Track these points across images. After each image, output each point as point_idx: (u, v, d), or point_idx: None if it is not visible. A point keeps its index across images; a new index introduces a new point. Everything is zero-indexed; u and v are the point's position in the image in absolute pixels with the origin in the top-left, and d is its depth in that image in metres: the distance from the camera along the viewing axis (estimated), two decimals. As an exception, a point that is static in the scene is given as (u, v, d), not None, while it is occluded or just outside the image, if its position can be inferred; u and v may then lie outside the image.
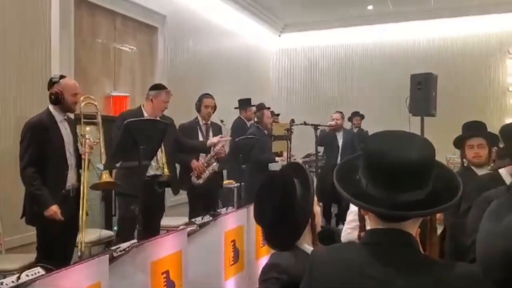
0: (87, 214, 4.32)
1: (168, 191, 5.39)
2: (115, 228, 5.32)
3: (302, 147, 8.85)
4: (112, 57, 7.15)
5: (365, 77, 12.47)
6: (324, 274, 1.49)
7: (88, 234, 4.45)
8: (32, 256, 4.17)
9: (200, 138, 5.95)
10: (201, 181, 5.75)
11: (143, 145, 3.90)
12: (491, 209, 1.35)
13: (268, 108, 7.97)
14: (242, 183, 6.45)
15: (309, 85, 13.14)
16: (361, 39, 12.62)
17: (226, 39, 10.54)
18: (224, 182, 6.94)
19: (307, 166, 7.90)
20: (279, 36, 13.32)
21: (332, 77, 12.95)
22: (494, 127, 3.92)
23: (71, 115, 4.67)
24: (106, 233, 5.14)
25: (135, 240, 3.17)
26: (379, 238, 1.45)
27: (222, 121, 6.23)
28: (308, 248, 2.11)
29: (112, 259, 2.84)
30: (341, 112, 8.79)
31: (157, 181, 4.97)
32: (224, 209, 4.68)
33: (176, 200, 6.86)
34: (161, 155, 4.87)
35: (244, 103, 8.15)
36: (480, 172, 3.85)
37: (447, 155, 8.15)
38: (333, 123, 8.42)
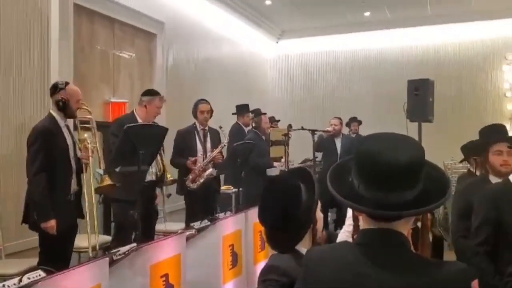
0: (83, 217, 4.36)
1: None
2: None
3: (300, 152, 8.88)
4: (111, 63, 7.20)
5: (363, 83, 12.51)
6: (319, 272, 1.52)
7: (85, 239, 4.47)
8: (33, 261, 4.17)
9: (198, 144, 5.98)
10: (195, 186, 5.79)
11: (142, 150, 3.93)
12: None
13: (265, 114, 8.02)
14: (240, 189, 6.49)
15: (307, 91, 13.18)
16: (358, 45, 12.68)
17: (224, 46, 10.60)
18: (222, 188, 6.97)
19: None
20: (277, 42, 13.38)
21: (329, 83, 13.00)
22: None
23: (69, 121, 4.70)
24: (104, 238, 5.12)
25: (135, 244, 3.20)
26: (371, 238, 1.48)
27: (221, 127, 6.28)
28: None
29: (112, 262, 2.88)
30: (339, 118, 8.82)
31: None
32: (222, 213, 4.70)
33: (174, 206, 6.90)
34: (161, 160, 4.90)
35: (242, 109, 8.20)
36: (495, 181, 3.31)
37: (445, 161, 8.15)
38: (331, 128, 8.46)
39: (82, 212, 4.39)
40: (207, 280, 4.04)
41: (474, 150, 3.71)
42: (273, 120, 9.43)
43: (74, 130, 4.52)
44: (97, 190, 4.38)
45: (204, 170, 5.85)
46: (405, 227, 1.49)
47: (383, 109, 11.40)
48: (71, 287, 2.51)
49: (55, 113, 4.28)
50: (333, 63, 13.03)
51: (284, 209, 2.12)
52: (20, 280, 2.34)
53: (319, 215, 2.23)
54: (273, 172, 7.46)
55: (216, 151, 5.92)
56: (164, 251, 3.41)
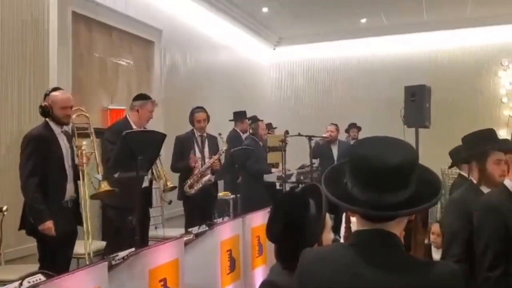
0: (82, 225, 4.37)
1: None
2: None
3: (297, 158, 8.91)
4: (109, 71, 7.23)
5: (359, 89, 12.55)
6: (314, 274, 1.55)
7: (80, 245, 4.48)
8: (32, 267, 4.19)
9: (196, 150, 6.03)
10: (193, 191, 5.83)
11: (141, 156, 3.96)
12: None
13: (261, 121, 8.07)
14: (238, 195, 6.53)
15: (304, 97, 13.22)
16: (355, 52, 12.74)
17: (222, 53, 10.65)
18: (220, 194, 7.01)
19: (302, 177, 8.00)
20: (274, 49, 13.44)
21: (326, 89, 13.04)
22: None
23: (69, 128, 4.70)
24: (101, 244, 5.12)
25: (133, 249, 3.23)
26: (364, 238, 1.52)
27: (220, 134, 6.33)
28: None
29: (110, 267, 2.91)
30: (335, 124, 8.86)
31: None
32: (220, 219, 4.73)
33: (173, 212, 6.92)
34: (160, 167, 4.92)
35: (239, 116, 8.26)
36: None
37: (442, 167, 8.15)
38: (327, 135, 8.50)
39: (81, 219, 4.41)
40: (205, 285, 4.06)
41: (473, 157, 3.18)
42: (269, 127, 9.48)
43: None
44: (94, 196, 4.36)
45: (202, 176, 5.89)
46: (398, 228, 1.52)
47: (380, 115, 11.42)
48: (70, 290, 2.54)
49: (49, 120, 4.30)
50: (330, 69, 13.07)
51: (289, 225, 2.14)
52: (21, 284, 2.37)
53: (328, 237, 2.22)
54: (270, 178, 7.51)
55: (215, 157, 5.96)
56: (162, 255, 3.44)
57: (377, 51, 12.52)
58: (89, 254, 4.37)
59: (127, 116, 5.21)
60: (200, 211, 5.89)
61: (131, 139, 4.02)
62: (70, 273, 2.63)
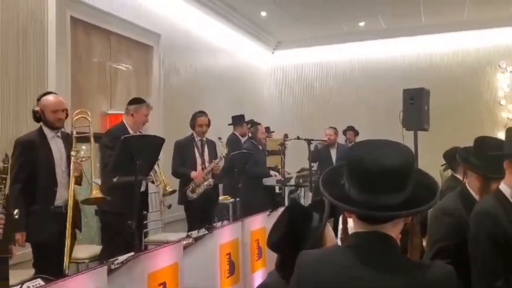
0: (80, 230, 4.36)
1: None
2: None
3: (296, 162, 8.91)
4: (108, 75, 7.24)
5: (358, 93, 12.55)
6: (312, 276, 1.56)
7: (79, 250, 4.47)
8: (29, 272, 4.16)
9: (196, 154, 6.05)
10: (195, 195, 5.84)
11: (140, 160, 3.96)
12: None
13: (260, 124, 8.09)
14: (237, 199, 6.54)
15: (303, 101, 13.21)
16: (354, 55, 12.73)
17: (220, 57, 10.66)
18: (220, 198, 7.02)
19: (301, 181, 8.01)
20: (273, 53, 13.44)
21: (325, 92, 13.03)
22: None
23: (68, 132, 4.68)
24: (97, 248, 5.08)
25: (133, 253, 3.23)
26: (361, 240, 1.53)
27: (220, 139, 6.34)
28: None
29: (110, 271, 2.91)
30: (334, 128, 8.88)
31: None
32: (219, 222, 4.73)
33: (174, 216, 6.92)
34: (159, 171, 4.92)
35: (238, 120, 8.28)
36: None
37: (440, 168, 8.14)
38: (326, 138, 8.53)
39: (80, 224, 4.40)
40: (205, 288, 4.08)
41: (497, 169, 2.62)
42: (267, 131, 9.49)
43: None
44: (85, 202, 4.32)
45: (204, 180, 5.91)
46: (394, 231, 1.53)
47: (379, 118, 11.42)
48: (70, 295, 2.54)
49: (43, 125, 4.28)
50: (328, 73, 13.07)
51: (291, 233, 2.12)
52: (20, 288, 2.38)
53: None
54: (269, 181, 7.52)
55: (216, 162, 5.98)
56: (161, 259, 3.45)
57: (375, 54, 12.52)
58: (77, 259, 4.37)
59: (124, 121, 5.20)
60: (201, 215, 5.91)
61: (130, 143, 4.02)
62: (69, 277, 2.64)
